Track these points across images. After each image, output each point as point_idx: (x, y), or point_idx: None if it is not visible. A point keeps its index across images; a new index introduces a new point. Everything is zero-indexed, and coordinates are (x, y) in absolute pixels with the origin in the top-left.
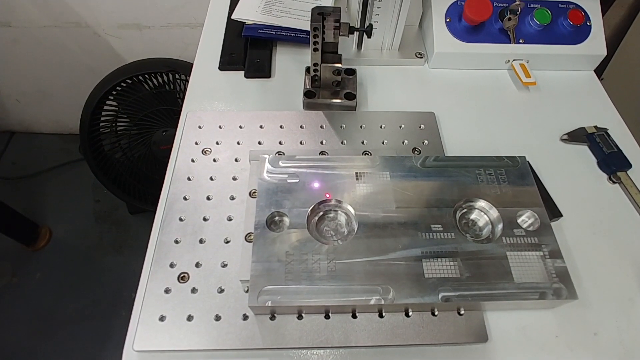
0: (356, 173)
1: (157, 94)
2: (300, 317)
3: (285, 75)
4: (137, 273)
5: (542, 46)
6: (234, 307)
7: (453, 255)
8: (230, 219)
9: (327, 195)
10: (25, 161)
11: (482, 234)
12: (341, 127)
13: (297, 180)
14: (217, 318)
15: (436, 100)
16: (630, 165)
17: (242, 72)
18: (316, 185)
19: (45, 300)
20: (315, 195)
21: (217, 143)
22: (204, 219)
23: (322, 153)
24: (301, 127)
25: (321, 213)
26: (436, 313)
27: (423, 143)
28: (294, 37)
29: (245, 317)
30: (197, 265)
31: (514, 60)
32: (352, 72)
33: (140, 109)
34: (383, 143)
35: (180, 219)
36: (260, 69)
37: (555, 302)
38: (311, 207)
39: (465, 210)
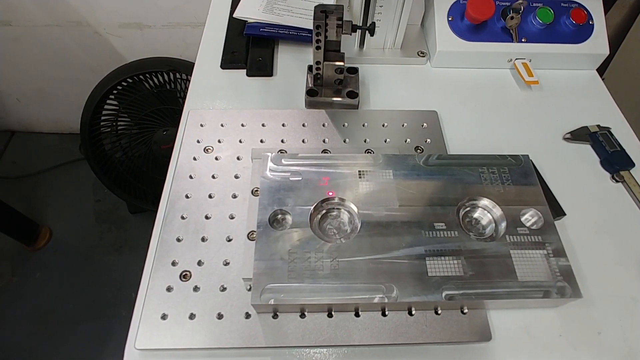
0: (359, 171)
1: (158, 93)
2: (302, 315)
3: (287, 74)
4: (138, 273)
5: (545, 45)
6: (236, 305)
7: (457, 253)
8: (232, 217)
9: (330, 194)
10: (25, 161)
11: (486, 232)
12: (344, 125)
13: (300, 178)
14: (220, 316)
15: (439, 99)
16: (633, 164)
17: (244, 71)
18: (319, 183)
19: (45, 300)
20: (318, 193)
21: (219, 141)
22: (206, 217)
23: (324, 151)
24: (303, 125)
25: (324, 211)
26: (439, 312)
27: (426, 141)
28: (296, 36)
29: (247, 316)
30: (199, 263)
31: (517, 59)
32: (354, 70)
33: (141, 108)
34: (385, 141)
35: (182, 217)
36: (262, 67)
37: (559, 300)
38: (314, 205)
39: (468, 208)
